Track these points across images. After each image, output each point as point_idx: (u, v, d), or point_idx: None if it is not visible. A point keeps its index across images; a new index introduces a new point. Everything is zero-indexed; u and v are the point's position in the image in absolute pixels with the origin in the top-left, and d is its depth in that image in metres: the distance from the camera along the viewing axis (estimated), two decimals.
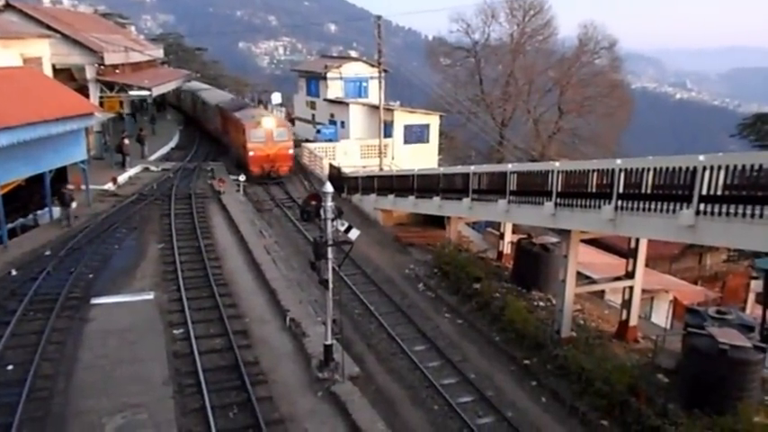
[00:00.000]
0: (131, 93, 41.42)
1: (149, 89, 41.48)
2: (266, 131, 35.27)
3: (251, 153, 35.14)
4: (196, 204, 29.67)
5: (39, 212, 26.80)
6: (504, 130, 53.81)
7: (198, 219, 27.45)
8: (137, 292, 19.74)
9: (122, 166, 35.93)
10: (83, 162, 28.42)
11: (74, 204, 26.14)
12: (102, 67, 39.98)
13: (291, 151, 36.78)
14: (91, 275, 20.80)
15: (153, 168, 37.63)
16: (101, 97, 40.00)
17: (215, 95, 52.46)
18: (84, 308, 18.34)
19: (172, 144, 47.66)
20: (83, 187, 28.65)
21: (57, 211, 26.47)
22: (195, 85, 60.60)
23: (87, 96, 36.46)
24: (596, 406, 14.88)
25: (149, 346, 16.28)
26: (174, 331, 17.18)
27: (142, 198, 30.45)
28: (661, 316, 27.85)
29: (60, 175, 27.34)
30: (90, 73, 39.44)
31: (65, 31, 37.91)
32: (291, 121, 47.97)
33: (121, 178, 33.62)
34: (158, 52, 59.83)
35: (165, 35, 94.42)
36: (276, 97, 51.39)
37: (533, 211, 18.45)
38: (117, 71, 42.33)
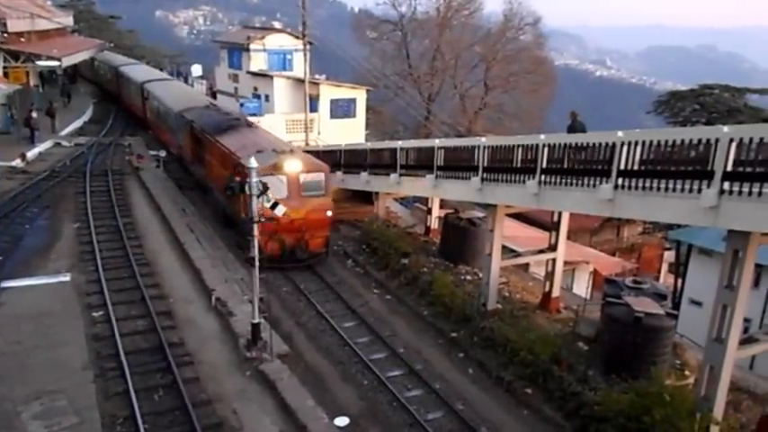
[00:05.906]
0: (39, 63, 38.98)
1: (59, 59, 39.16)
2: (290, 180, 20.70)
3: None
4: (113, 181, 28.42)
5: None
6: (431, 105, 54.03)
7: (116, 196, 26.31)
8: (52, 274, 18.77)
9: (31, 141, 33.82)
10: None
11: None
12: (5, 34, 37.36)
13: (330, 213, 22.16)
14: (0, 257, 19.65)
15: (65, 144, 35.73)
16: (5, 68, 37.50)
17: (178, 96, 34.94)
18: None
19: (85, 118, 45.19)
20: None
21: None
22: (144, 72, 46.34)
23: None
24: (521, 375, 15.35)
25: (67, 330, 15.59)
26: (94, 314, 16.54)
27: (54, 175, 28.82)
28: (582, 287, 29.10)
29: None
30: None
31: None
32: (213, 94, 46.21)
33: (31, 154, 31.73)
34: (68, 20, 56.24)
35: (74, 2, 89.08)
36: (197, 69, 49.70)
37: (460, 186, 18.67)
38: (22, 39, 39.61)
